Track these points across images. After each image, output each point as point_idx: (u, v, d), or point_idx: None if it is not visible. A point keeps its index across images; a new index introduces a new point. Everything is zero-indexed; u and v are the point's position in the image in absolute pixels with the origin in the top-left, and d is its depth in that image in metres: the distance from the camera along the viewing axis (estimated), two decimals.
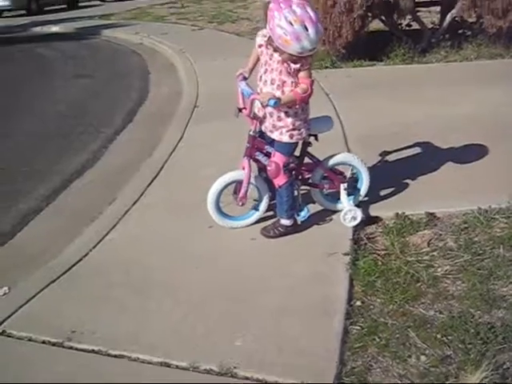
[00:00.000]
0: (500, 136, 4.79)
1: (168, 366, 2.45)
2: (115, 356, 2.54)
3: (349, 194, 3.56)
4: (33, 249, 3.80)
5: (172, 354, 2.51)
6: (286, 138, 3.23)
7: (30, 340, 2.68)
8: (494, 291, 2.87)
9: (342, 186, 3.52)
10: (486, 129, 5.02)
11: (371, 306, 2.81)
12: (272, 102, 2.99)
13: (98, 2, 26.04)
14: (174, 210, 3.97)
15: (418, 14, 8.94)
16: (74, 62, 10.96)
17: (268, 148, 3.37)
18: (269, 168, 3.29)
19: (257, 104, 3.21)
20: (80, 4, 25.35)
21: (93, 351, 2.57)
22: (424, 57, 8.17)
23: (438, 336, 2.56)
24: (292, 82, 3.09)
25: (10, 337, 2.71)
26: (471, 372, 2.30)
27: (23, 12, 22.03)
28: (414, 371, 2.37)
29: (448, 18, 8.54)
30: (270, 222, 3.55)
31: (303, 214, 3.41)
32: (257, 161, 3.46)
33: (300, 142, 3.36)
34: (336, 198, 3.61)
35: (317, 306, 2.77)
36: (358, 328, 2.64)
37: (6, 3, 21.49)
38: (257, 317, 2.72)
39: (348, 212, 3.45)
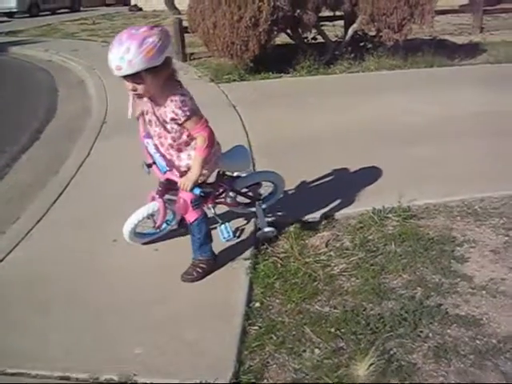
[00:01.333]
0: (395, 141, 5.09)
1: (67, 379, 2.45)
2: (12, 374, 2.50)
3: (263, 208, 3.58)
4: None
5: (72, 367, 2.50)
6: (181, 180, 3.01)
7: None
8: (384, 284, 3.05)
9: (257, 204, 3.53)
10: (383, 135, 5.33)
11: (270, 307, 2.91)
12: (197, 191, 2.88)
13: (5, 19, 25.19)
14: (79, 226, 3.94)
15: (323, 27, 9.33)
16: None
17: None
18: (177, 204, 3.09)
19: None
20: None
21: None
22: (329, 68, 8.55)
23: (332, 330, 2.70)
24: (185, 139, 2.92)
25: None
26: (360, 360, 2.44)
27: None
28: (308, 364, 2.49)
29: (350, 31, 8.98)
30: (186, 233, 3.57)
31: (226, 233, 3.21)
32: (168, 200, 3.32)
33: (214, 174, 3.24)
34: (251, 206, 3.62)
35: (216, 309, 2.84)
36: (256, 328, 2.74)
37: None
38: (156, 324, 2.76)
39: (265, 233, 3.53)
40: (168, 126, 2.88)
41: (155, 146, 3.04)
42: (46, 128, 7.04)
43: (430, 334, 2.64)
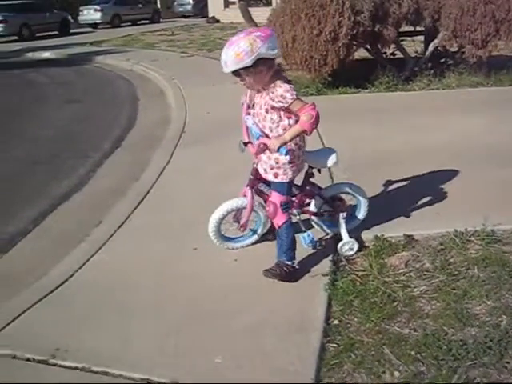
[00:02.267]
0: (477, 162, 4.94)
1: (149, 382, 2.51)
2: (98, 372, 2.60)
3: (347, 222, 3.59)
4: (20, 269, 3.87)
5: (153, 371, 2.57)
6: (271, 177, 3.20)
7: (14, 358, 2.73)
8: (467, 310, 2.96)
9: (341, 216, 3.53)
10: (465, 155, 5.18)
11: (348, 325, 2.89)
12: (283, 151, 2.94)
13: (90, 29, 26.40)
14: (160, 232, 4.06)
15: (402, 43, 9.21)
16: (65, 88, 11.10)
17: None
18: (267, 208, 3.24)
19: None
20: (72, 31, 25.68)
21: (76, 368, 2.63)
22: (407, 84, 8.40)
23: (412, 353, 2.64)
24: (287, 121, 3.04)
25: None
26: None
27: (15, 38, 22.27)
28: None
29: (431, 47, 8.80)
30: (266, 244, 3.64)
31: (309, 240, 3.28)
32: (259, 192, 3.43)
33: (302, 174, 3.36)
34: (334, 222, 3.63)
35: (295, 324, 2.85)
36: (335, 345, 2.72)
37: None
38: (236, 335, 2.80)
39: (346, 244, 3.53)
40: (270, 115, 3.03)
41: (254, 122, 3.13)
42: (127, 135, 7.31)
43: None
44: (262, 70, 2.91)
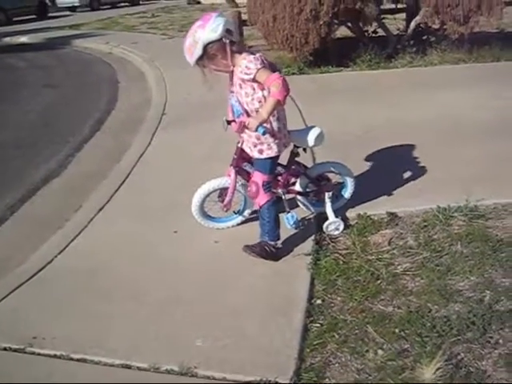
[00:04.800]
0: (461, 138, 4.92)
1: (129, 367, 2.47)
2: (77, 360, 2.55)
3: (333, 201, 3.57)
4: None
5: (133, 356, 2.53)
6: (256, 154, 3.18)
7: None
8: (451, 286, 2.94)
9: (327, 195, 3.51)
10: (448, 131, 5.16)
11: (331, 304, 2.86)
12: (261, 131, 2.91)
13: (68, 13, 25.94)
14: (140, 215, 3.99)
15: (384, 20, 9.11)
16: (44, 72, 10.88)
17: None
18: (249, 188, 3.23)
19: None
20: (49, 14, 25.22)
21: (55, 356, 2.58)
22: (390, 62, 8.32)
23: (396, 330, 2.62)
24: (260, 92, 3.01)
25: None
26: (426, 364, 2.35)
27: None
28: (371, 365, 2.43)
29: (412, 24, 8.73)
30: (249, 225, 3.61)
31: (293, 221, 3.29)
32: (243, 172, 3.39)
33: (287, 153, 3.33)
34: (320, 201, 3.60)
35: (277, 305, 2.81)
36: (318, 325, 2.69)
37: None
38: (218, 317, 2.76)
39: (332, 223, 3.51)
40: (244, 90, 3.02)
41: (237, 99, 3.10)
42: (107, 119, 7.18)
43: (501, 341, 2.52)
44: (215, 55, 2.95)
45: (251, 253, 3.23)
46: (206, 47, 2.91)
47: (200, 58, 2.96)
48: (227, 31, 2.93)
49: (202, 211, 3.54)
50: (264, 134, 2.95)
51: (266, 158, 3.16)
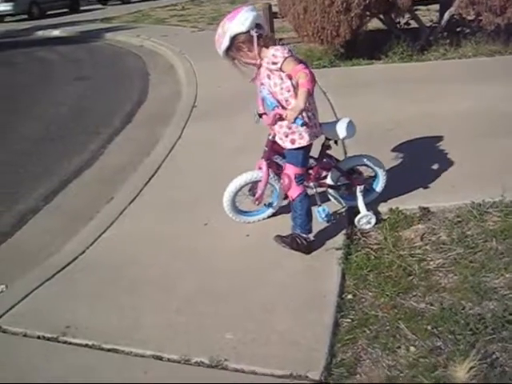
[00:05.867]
0: (495, 131, 4.80)
1: (160, 359, 2.48)
2: (108, 350, 2.57)
3: (364, 195, 3.53)
4: (31, 248, 3.85)
5: (163, 347, 2.54)
6: (288, 145, 3.15)
7: (25, 335, 2.72)
8: (485, 283, 2.88)
9: (359, 189, 3.47)
10: (482, 124, 5.04)
11: (362, 299, 2.83)
12: (300, 122, 2.90)
13: (100, 6, 26.20)
14: (171, 207, 4.01)
15: (417, 12, 8.96)
16: (75, 65, 11.03)
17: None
18: (281, 181, 3.23)
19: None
20: (81, 8, 25.51)
21: (86, 345, 2.61)
22: (422, 55, 8.17)
23: (429, 327, 2.58)
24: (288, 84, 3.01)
25: (5, 332, 2.75)
26: (460, 362, 2.31)
27: (25, 16, 22.16)
28: (403, 362, 2.39)
29: (446, 15, 8.55)
30: (280, 218, 3.59)
31: (325, 214, 3.26)
32: (274, 164, 3.37)
33: (318, 146, 3.31)
34: (351, 195, 3.57)
35: (308, 299, 2.79)
36: (349, 321, 2.66)
37: (8, 8, 21.65)
38: (248, 310, 2.75)
39: (364, 217, 3.48)
40: (272, 80, 3.02)
41: (268, 91, 3.09)
42: (137, 111, 7.24)
43: None
44: (241, 46, 2.99)
45: (281, 243, 3.22)
46: (233, 39, 2.95)
47: (228, 50, 3.00)
48: (257, 25, 2.96)
49: (234, 206, 3.53)
50: (302, 125, 2.93)
51: (297, 149, 3.13)
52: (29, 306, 2.98)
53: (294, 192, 3.16)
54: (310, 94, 2.92)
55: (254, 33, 2.93)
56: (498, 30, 7.85)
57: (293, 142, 3.12)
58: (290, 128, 3.08)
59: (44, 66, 11.26)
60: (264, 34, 3.01)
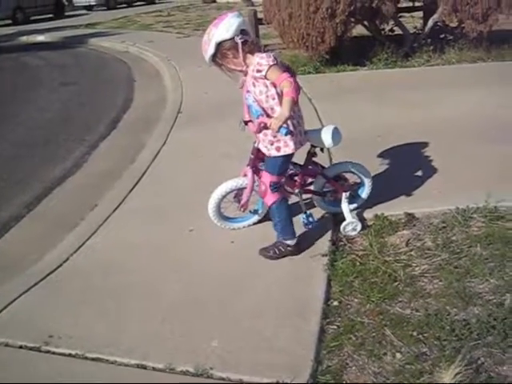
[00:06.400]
0: (480, 137, 4.84)
1: (144, 367, 2.46)
2: (92, 359, 2.54)
3: (350, 201, 3.53)
4: (13, 255, 3.80)
5: (149, 356, 2.51)
6: (273, 152, 3.12)
7: (6, 345, 2.68)
8: (470, 289, 2.89)
9: (344, 195, 3.47)
10: (466, 130, 5.09)
11: (348, 306, 2.82)
12: (284, 131, 2.91)
13: (84, 12, 26.07)
14: (156, 214, 3.98)
15: (401, 19, 9.03)
16: (60, 71, 10.95)
17: None
18: (258, 189, 3.25)
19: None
20: (66, 13, 25.37)
21: (70, 355, 2.57)
22: (407, 61, 8.25)
23: (414, 334, 2.58)
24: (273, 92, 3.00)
25: None
26: (445, 368, 2.31)
27: (9, 22, 21.98)
28: (389, 369, 2.39)
29: (430, 22, 8.64)
30: (264, 224, 3.58)
31: (309, 221, 3.29)
32: (259, 172, 3.34)
33: (304, 153, 3.31)
34: (337, 201, 3.56)
35: (293, 306, 2.78)
36: (335, 327, 2.66)
37: None
38: (234, 318, 2.73)
39: (349, 224, 3.47)
40: (258, 88, 3.01)
41: (254, 99, 3.08)
42: (122, 117, 7.20)
43: None
44: (226, 53, 2.99)
45: (266, 256, 3.24)
46: (218, 45, 2.95)
47: (214, 56, 3.00)
48: (242, 31, 2.95)
49: (219, 212, 3.52)
50: (286, 134, 2.93)
51: (281, 156, 3.12)
52: (11, 314, 2.94)
53: (269, 199, 3.18)
54: (294, 103, 2.93)
55: (238, 39, 2.92)
56: (481, 37, 7.95)
57: (278, 149, 3.11)
58: (275, 136, 3.07)
59: (28, 71, 11.17)
60: (249, 40, 2.99)
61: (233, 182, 3.41)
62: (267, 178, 3.17)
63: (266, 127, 3.02)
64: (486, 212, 3.57)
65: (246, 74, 3.07)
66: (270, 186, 3.15)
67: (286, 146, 3.09)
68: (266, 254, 3.24)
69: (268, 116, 3.02)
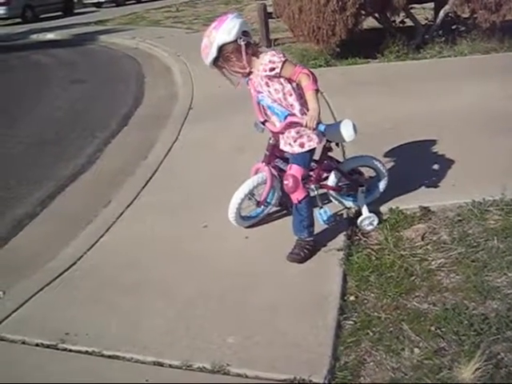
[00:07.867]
0: (494, 129, 4.78)
1: (161, 365, 2.45)
2: (109, 357, 2.54)
3: (366, 195, 3.51)
4: (28, 253, 3.81)
5: (165, 353, 2.50)
6: (297, 149, 3.07)
7: (23, 343, 2.68)
8: (488, 282, 2.85)
9: (360, 190, 3.44)
10: (480, 122, 5.02)
11: (365, 301, 2.80)
12: (322, 128, 2.89)
13: (94, 9, 26.10)
14: (169, 210, 3.97)
15: (412, 10, 8.96)
16: (71, 68, 10.98)
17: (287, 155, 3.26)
18: (285, 182, 3.09)
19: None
20: (76, 11, 25.42)
21: (86, 352, 2.57)
22: (418, 53, 8.17)
23: (432, 328, 2.55)
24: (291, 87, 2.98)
25: (3, 340, 2.71)
26: (465, 363, 2.29)
27: (19, 20, 22.08)
28: (407, 364, 2.37)
29: (441, 13, 8.54)
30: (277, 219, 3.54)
31: (326, 216, 3.19)
32: (275, 168, 3.33)
33: (320, 148, 3.25)
34: (353, 196, 3.54)
35: (310, 301, 2.76)
36: (352, 323, 2.64)
37: (2, 12, 21.55)
38: (250, 314, 2.72)
39: (366, 218, 3.44)
40: (272, 88, 2.96)
41: (271, 99, 3.02)
42: (134, 114, 7.20)
43: None
44: (229, 56, 2.91)
45: (295, 260, 3.12)
46: (220, 49, 2.88)
47: (216, 60, 2.93)
48: (243, 33, 2.89)
49: (240, 216, 3.46)
50: (325, 129, 2.92)
51: (308, 151, 3.09)
52: (27, 312, 2.95)
53: (301, 194, 3.09)
54: (317, 92, 2.90)
55: (241, 42, 2.86)
56: (493, 28, 7.84)
57: (302, 145, 3.06)
58: (297, 132, 3.03)
59: (39, 69, 11.20)
60: (251, 42, 2.94)
61: (249, 184, 3.34)
62: (298, 171, 3.07)
63: (291, 126, 2.97)
64: (502, 205, 3.53)
65: (247, 75, 3.01)
66: (302, 179, 3.09)
67: (311, 140, 3.06)
68: (297, 258, 3.11)
69: (294, 115, 2.97)
